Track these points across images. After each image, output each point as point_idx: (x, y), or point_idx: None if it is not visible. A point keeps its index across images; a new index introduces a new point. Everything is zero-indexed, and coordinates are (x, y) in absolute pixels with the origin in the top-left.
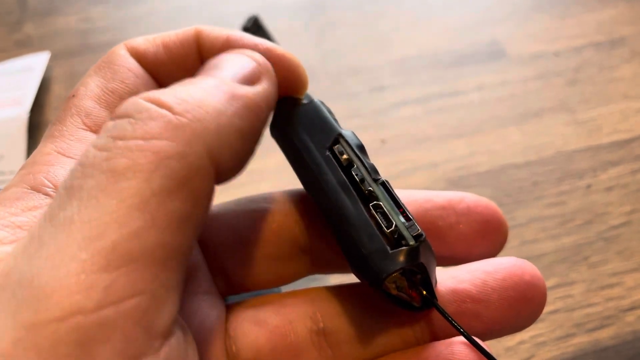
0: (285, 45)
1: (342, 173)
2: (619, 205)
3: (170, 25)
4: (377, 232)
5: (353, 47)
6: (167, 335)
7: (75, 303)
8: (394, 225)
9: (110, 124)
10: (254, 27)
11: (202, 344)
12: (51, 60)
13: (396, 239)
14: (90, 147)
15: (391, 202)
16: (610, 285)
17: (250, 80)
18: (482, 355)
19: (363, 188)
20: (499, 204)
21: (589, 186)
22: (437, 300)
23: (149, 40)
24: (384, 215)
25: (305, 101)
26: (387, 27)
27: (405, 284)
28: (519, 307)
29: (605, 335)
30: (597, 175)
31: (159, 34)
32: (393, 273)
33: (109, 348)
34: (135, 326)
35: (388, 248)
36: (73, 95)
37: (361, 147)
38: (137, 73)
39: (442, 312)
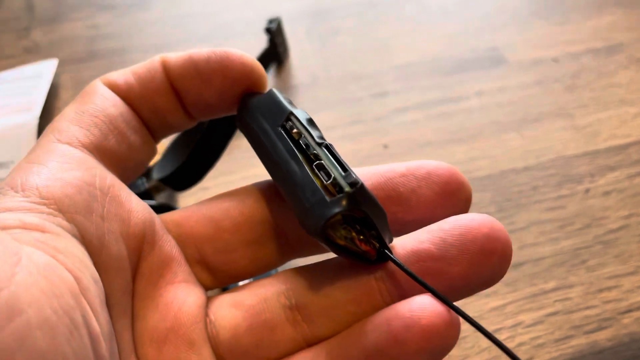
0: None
1: (290, 143)
2: (617, 210)
3: (175, 32)
4: (319, 187)
5: (355, 53)
6: None
7: None
8: (332, 178)
9: None
10: (277, 28)
11: (181, 328)
12: (59, 66)
13: (337, 190)
14: None
15: (333, 160)
16: (608, 288)
17: None
18: (444, 306)
19: (309, 152)
20: (499, 208)
21: (587, 191)
22: (391, 252)
23: (121, 72)
24: (325, 172)
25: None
26: (388, 33)
27: (352, 235)
28: (480, 260)
29: (602, 337)
30: (595, 180)
31: (130, 67)
32: (330, 218)
33: None
34: None
35: (327, 198)
36: (52, 122)
37: (310, 121)
38: (108, 96)
39: (396, 262)
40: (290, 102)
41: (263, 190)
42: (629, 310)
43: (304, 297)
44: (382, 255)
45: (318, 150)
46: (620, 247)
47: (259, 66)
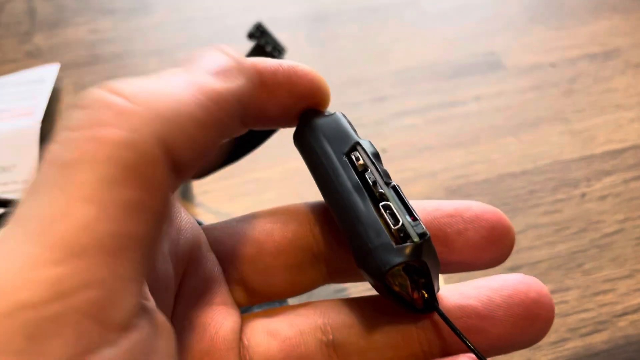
0: (288, 56)
1: (356, 176)
2: (613, 214)
3: (177, 36)
4: (384, 229)
5: (354, 58)
6: (126, 327)
7: (24, 298)
8: (400, 224)
9: (68, 114)
10: (258, 32)
11: (217, 353)
12: (60, 71)
13: (402, 236)
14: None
15: (400, 204)
16: (604, 292)
17: (223, 74)
18: None
19: (375, 190)
20: None
21: (583, 195)
22: (437, 304)
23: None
24: (392, 215)
25: (327, 113)
26: (387, 39)
27: (407, 283)
28: (525, 324)
29: (598, 339)
30: (591, 184)
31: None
32: (396, 266)
33: (61, 342)
34: (87, 319)
35: (393, 243)
36: None
37: (376, 155)
38: None
39: (442, 316)
40: (355, 130)
41: (307, 212)
42: (625, 314)
43: (341, 335)
44: (429, 306)
45: (385, 190)
46: (616, 250)
47: (325, 84)
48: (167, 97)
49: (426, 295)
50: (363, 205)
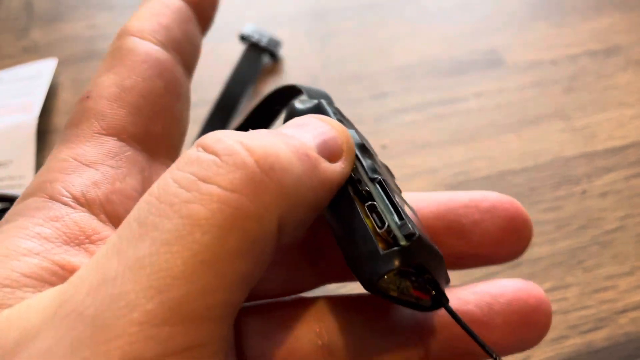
0: (287, 52)
1: None
2: (613, 211)
3: None
4: (371, 234)
5: (354, 55)
6: None
7: (136, 351)
8: (386, 226)
9: (193, 155)
10: (251, 32)
11: None
12: (58, 66)
13: (392, 238)
14: (169, 178)
15: (386, 202)
16: (605, 289)
17: (333, 155)
18: None
19: (360, 188)
20: None
21: (584, 192)
22: (447, 299)
23: (146, 20)
24: (378, 216)
25: (315, 101)
26: (387, 35)
27: (408, 285)
28: (523, 330)
29: (598, 337)
30: (592, 181)
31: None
32: (384, 275)
33: None
34: None
35: (380, 249)
36: (87, 97)
37: (362, 146)
38: (151, 63)
39: (451, 312)
40: (343, 118)
41: None
42: (625, 311)
43: (337, 338)
44: (437, 302)
45: (371, 187)
46: (617, 247)
47: None
48: (291, 176)
49: (433, 292)
50: (348, 207)
